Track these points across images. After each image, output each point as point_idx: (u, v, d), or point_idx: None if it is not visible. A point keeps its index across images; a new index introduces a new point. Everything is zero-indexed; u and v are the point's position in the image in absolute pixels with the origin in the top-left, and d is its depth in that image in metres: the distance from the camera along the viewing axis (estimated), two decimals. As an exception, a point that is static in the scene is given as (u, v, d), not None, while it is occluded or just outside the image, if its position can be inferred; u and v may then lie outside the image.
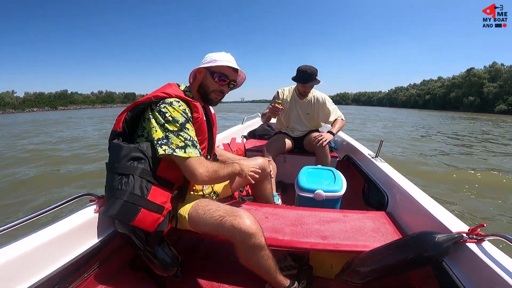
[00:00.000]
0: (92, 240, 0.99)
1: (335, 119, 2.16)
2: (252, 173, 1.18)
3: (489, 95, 47.55)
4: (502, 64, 51.33)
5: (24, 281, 0.77)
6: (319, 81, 2.00)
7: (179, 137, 0.91)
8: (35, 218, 0.85)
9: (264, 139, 2.71)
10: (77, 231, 0.94)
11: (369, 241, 1.04)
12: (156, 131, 0.92)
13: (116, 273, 1.11)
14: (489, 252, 0.77)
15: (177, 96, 0.97)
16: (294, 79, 2.04)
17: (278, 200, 1.80)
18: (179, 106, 0.95)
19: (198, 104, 1.01)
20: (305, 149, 2.23)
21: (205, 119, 1.07)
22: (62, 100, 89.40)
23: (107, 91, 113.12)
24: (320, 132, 2.23)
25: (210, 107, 1.20)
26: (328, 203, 1.40)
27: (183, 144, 0.91)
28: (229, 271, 1.25)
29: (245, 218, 0.93)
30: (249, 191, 1.63)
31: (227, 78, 1.07)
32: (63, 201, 0.97)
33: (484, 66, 54.30)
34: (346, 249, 1.02)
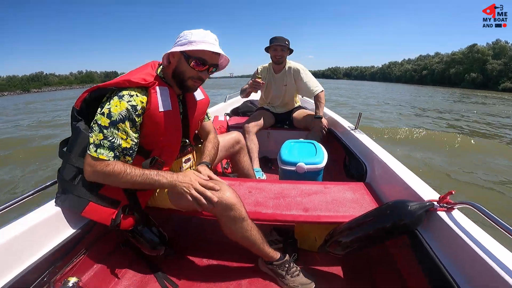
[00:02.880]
0: (76, 224, 0.97)
1: (317, 95, 2.12)
2: (195, 192, 0.90)
3: (493, 72, 45.39)
4: (506, 42, 49.46)
5: (8, 271, 0.75)
6: (290, 49, 2.07)
7: (100, 134, 0.84)
8: (7, 209, 0.86)
9: (247, 115, 2.64)
10: (57, 217, 0.93)
11: (348, 212, 1.08)
12: (92, 123, 0.88)
13: (107, 255, 1.12)
14: (458, 220, 0.80)
15: (140, 85, 0.89)
16: (266, 48, 2.12)
17: (262, 176, 1.87)
18: (129, 101, 0.86)
19: (152, 92, 0.91)
20: (296, 126, 2.29)
21: (164, 109, 0.93)
22: (36, 82, 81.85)
23: (87, 71, 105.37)
24: (302, 108, 2.41)
25: (195, 92, 1.11)
26: (310, 176, 1.45)
27: (99, 142, 0.84)
28: (220, 248, 1.27)
29: (224, 190, 0.95)
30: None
31: (206, 63, 0.93)
32: (37, 189, 0.97)
33: (487, 43, 52.57)
34: (327, 220, 1.06)
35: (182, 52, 0.91)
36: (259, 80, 1.99)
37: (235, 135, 1.47)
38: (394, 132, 5.67)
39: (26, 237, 0.82)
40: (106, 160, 0.85)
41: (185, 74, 0.93)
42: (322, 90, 2.13)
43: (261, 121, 2.18)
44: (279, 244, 1.24)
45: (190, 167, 1.24)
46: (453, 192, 0.85)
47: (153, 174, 0.89)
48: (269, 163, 2.32)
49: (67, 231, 0.94)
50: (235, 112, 2.89)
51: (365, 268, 1.15)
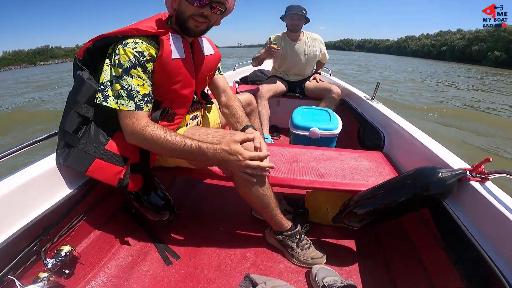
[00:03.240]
0: (73, 185, 0.90)
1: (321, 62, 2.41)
2: (250, 170, 0.84)
3: (518, 52, 43.60)
4: (535, 23, 46.29)
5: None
6: (306, 18, 2.08)
7: (116, 84, 0.81)
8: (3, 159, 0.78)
9: (257, 84, 2.61)
10: (53, 176, 0.85)
11: (366, 180, 1.02)
12: (102, 73, 0.85)
13: (105, 221, 1.05)
14: (494, 192, 0.72)
15: (148, 33, 0.84)
16: (282, 16, 2.14)
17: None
18: (134, 48, 0.81)
19: (165, 39, 0.86)
20: (308, 95, 2.30)
21: (177, 56, 0.89)
22: (42, 55, 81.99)
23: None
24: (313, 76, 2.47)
25: (205, 46, 1.03)
26: (323, 142, 1.39)
27: (117, 93, 0.81)
28: (225, 217, 1.22)
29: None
30: None
31: None
32: (34, 140, 0.88)
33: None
34: (343, 188, 0.99)
35: None
36: (274, 46, 1.97)
37: (246, 96, 1.41)
38: (418, 109, 5.44)
39: (15, 198, 0.73)
40: (128, 110, 0.80)
41: (185, 13, 0.85)
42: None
43: (274, 87, 2.17)
44: (288, 215, 1.19)
45: (197, 125, 1.17)
46: (491, 159, 0.75)
47: (194, 145, 0.82)
48: (278, 132, 2.31)
49: (62, 193, 0.86)
50: (244, 80, 2.87)
51: (378, 243, 1.10)
